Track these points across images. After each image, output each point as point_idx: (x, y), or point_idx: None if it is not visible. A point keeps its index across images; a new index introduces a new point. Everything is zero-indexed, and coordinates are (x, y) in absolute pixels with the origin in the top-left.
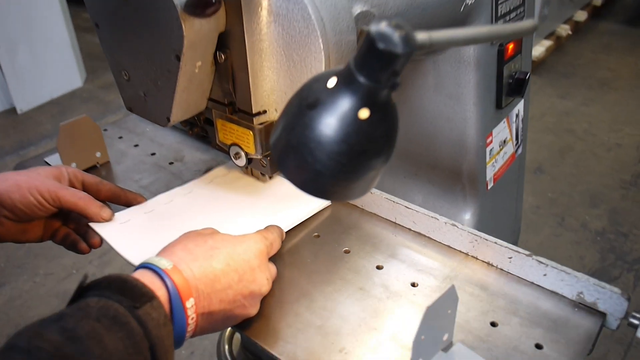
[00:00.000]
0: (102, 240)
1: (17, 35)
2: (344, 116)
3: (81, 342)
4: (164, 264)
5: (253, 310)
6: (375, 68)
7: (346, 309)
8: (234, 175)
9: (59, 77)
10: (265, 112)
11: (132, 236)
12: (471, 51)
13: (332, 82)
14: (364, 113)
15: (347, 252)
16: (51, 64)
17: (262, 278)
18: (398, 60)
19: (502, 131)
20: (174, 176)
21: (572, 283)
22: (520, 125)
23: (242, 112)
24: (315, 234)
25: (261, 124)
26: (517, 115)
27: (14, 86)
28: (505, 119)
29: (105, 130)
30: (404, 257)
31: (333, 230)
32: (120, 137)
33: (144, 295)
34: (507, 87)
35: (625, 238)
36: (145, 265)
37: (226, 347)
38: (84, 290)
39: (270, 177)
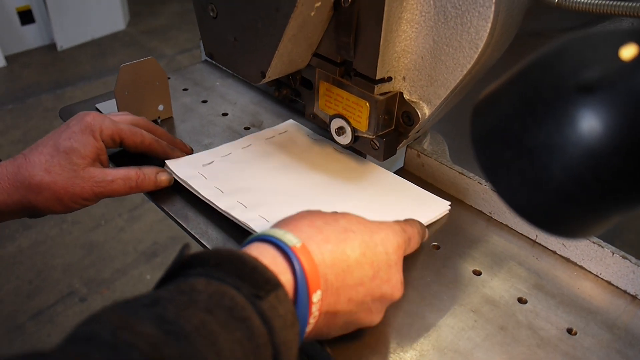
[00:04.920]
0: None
1: None
2: None
3: (188, 341)
4: (290, 239)
5: (377, 317)
6: None
7: (487, 356)
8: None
9: (102, 17)
10: (390, 79)
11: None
12: None
13: (630, 51)
14: None
15: (477, 273)
16: (96, 3)
17: (397, 279)
18: None
19: None
20: None
21: None
22: None
23: (359, 77)
24: (434, 243)
25: (383, 94)
26: None
27: (56, 21)
28: None
29: (168, 78)
30: (553, 290)
31: (456, 242)
32: (185, 90)
33: (268, 281)
34: None
35: None
36: (263, 238)
37: None
38: (181, 267)
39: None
